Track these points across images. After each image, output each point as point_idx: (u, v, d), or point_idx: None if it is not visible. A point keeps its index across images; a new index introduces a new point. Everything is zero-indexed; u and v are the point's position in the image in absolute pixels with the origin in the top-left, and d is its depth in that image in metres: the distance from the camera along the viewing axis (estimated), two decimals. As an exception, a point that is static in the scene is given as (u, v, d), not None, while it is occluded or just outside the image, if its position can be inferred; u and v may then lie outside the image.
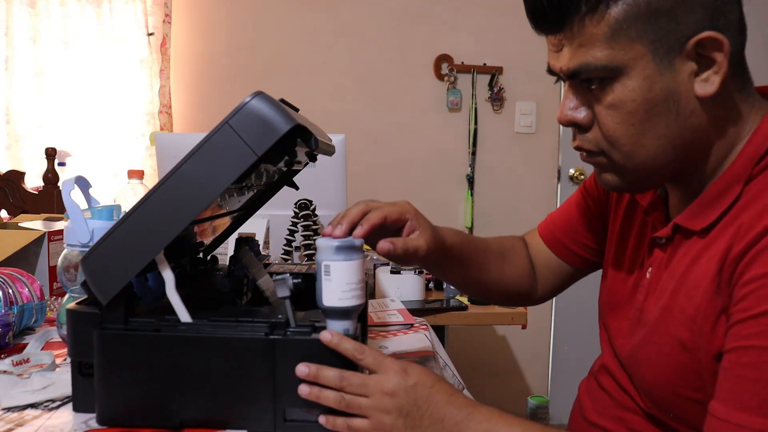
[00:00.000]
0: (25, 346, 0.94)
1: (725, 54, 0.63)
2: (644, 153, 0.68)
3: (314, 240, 1.35)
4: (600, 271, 0.94)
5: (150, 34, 2.90)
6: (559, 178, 2.80)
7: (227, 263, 0.89)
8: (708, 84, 0.64)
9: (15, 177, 2.22)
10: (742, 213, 0.64)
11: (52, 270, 1.28)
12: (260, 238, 1.37)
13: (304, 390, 0.64)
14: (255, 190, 0.92)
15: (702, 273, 0.65)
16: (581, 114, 0.69)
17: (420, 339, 1.04)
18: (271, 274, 0.88)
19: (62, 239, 0.91)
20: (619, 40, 0.63)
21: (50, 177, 2.19)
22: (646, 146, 0.67)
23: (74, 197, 0.87)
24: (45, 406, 0.73)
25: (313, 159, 0.84)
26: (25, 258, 1.25)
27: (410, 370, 0.65)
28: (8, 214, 2.17)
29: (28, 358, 0.87)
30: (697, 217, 0.68)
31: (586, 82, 0.67)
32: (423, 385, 0.64)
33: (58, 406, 0.73)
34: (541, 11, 0.66)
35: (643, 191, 0.78)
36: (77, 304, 0.71)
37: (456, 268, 0.91)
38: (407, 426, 0.63)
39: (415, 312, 1.22)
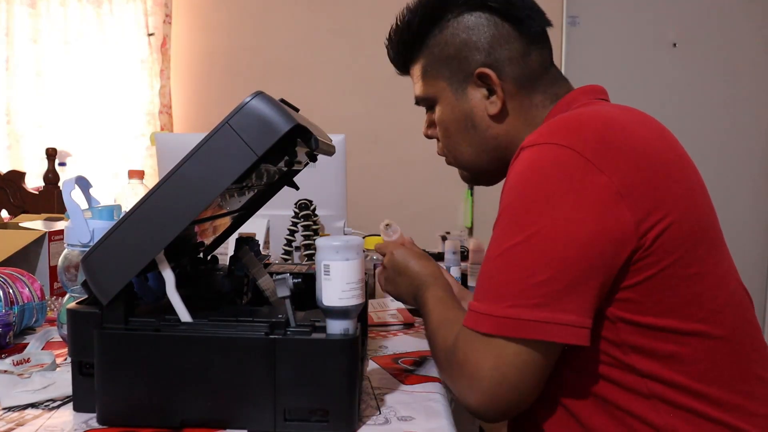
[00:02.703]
0: (25, 345, 0.94)
1: (498, 84, 0.84)
2: (464, 158, 0.92)
3: (314, 240, 1.35)
4: None
5: (150, 35, 2.90)
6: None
7: (227, 263, 0.89)
8: (493, 105, 0.85)
9: (15, 177, 2.22)
10: None
11: (53, 270, 1.28)
12: (260, 238, 1.37)
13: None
14: (255, 190, 0.92)
15: None
16: (431, 130, 0.94)
17: (420, 339, 1.04)
18: (271, 274, 0.88)
19: (63, 239, 0.91)
20: (427, 79, 0.90)
21: (51, 177, 2.20)
22: (463, 153, 0.91)
23: (75, 197, 0.87)
24: (45, 406, 0.73)
25: (314, 159, 0.84)
26: (25, 258, 1.26)
27: (394, 249, 0.95)
28: (9, 214, 2.17)
29: (28, 358, 0.87)
30: None
31: (427, 108, 0.93)
32: (403, 257, 0.93)
33: (58, 406, 0.73)
34: (392, 60, 0.95)
35: (486, 184, 0.97)
36: (78, 303, 0.71)
37: None
38: (388, 279, 0.95)
39: (415, 312, 1.22)
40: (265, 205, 1.01)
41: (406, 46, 0.91)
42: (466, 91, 0.87)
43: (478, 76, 0.85)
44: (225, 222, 0.95)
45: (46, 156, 2.22)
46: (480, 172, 0.94)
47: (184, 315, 0.68)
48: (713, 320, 0.72)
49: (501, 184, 0.95)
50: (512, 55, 0.84)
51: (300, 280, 0.90)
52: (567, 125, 0.73)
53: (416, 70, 0.92)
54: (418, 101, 0.94)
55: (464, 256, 1.79)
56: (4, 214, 2.17)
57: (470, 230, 2.92)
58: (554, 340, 0.66)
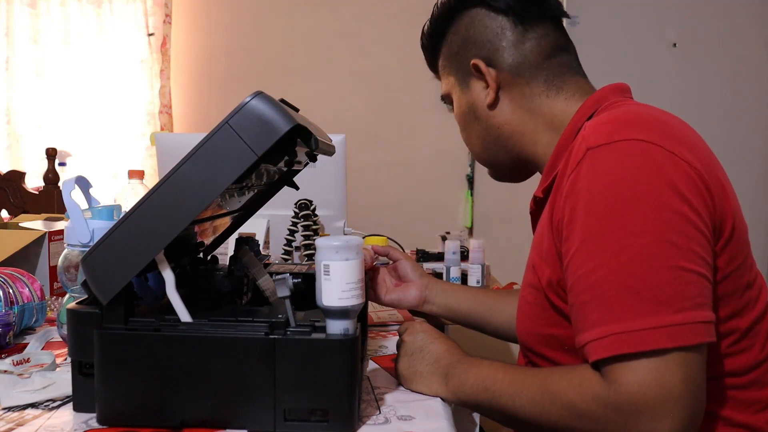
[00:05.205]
0: (25, 345, 0.94)
1: (487, 72, 0.87)
2: (476, 150, 0.95)
3: (314, 240, 1.35)
4: None
5: (150, 35, 2.90)
6: (559, 178, 2.80)
7: (227, 263, 0.89)
8: (487, 96, 0.88)
9: (15, 177, 2.22)
10: (561, 174, 0.76)
11: (53, 270, 1.28)
12: (260, 238, 1.37)
13: None
14: (255, 190, 0.92)
15: (543, 225, 0.79)
16: None
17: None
18: (271, 274, 0.88)
19: (63, 239, 0.91)
20: (444, 77, 0.95)
21: (51, 177, 2.20)
22: (474, 144, 0.94)
23: (75, 197, 0.87)
24: (45, 406, 0.73)
25: (313, 159, 0.84)
26: (25, 258, 1.26)
27: (417, 327, 0.85)
28: (9, 214, 2.17)
29: (28, 358, 0.87)
30: (541, 185, 0.85)
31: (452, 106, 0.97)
32: (426, 336, 0.84)
33: (58, 406, 0.73)
34: (428, 65, 0.99)
35: (512, 180, 0.97)
36: (77, 303, 0.71)
37: (473, 325, 1.10)
38: (411, 362, 0.82)
39: (415, 312, 1.22)
40: (265, 205, 1.01)
41: (427, 51, 0.98)
42: (470, 84, 0.90)
43: (474, 67, 0.88)
44: (225, 222, 0.95)
45: (46, 156, 2.22)
46: (495, 166, 0.96)
47: (184, 315, 0.68)
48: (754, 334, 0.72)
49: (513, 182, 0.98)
50: (505, 44, 0.87)
51: (300, 280, 0.90)
52: (628, 121, 0.71)
53: (439, 69, 0.97)
54: (442, 98, 0.99)
55: (464, 256, 1.79)
56: (4, 214, 2.17)
57: (470, 230, 2.92)
58: (714, 339, 0.64)
